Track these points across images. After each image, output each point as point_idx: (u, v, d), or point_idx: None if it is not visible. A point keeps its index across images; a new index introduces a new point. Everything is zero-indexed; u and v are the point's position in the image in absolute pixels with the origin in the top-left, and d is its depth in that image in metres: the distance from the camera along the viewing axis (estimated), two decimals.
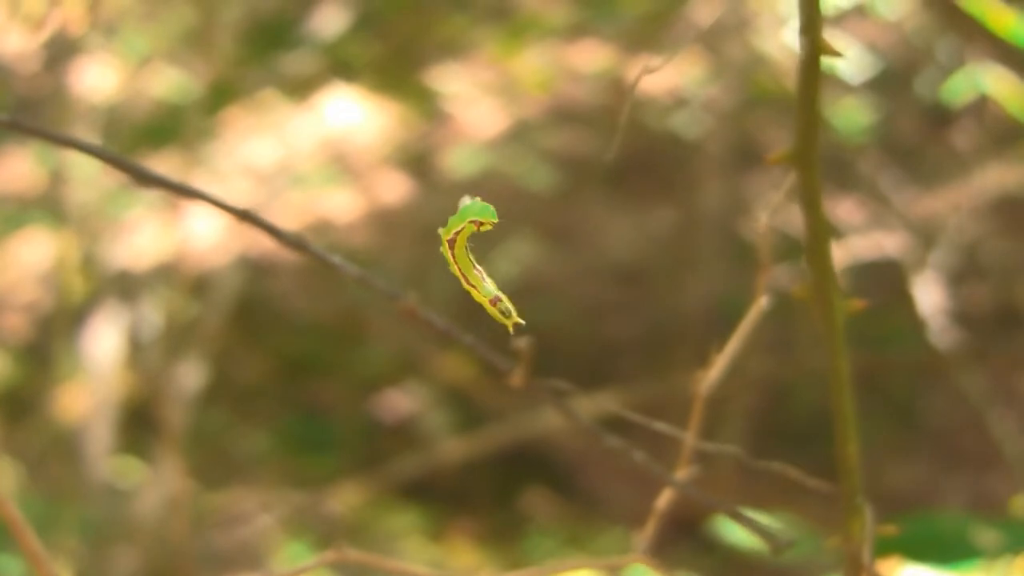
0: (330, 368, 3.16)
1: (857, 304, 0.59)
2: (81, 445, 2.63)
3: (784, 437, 2.88)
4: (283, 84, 3.01)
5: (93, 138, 2.67)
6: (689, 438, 0.67)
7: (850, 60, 2.92)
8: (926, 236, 2.78)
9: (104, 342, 2.74)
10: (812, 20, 0.52)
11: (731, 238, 3.06)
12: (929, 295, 2.62)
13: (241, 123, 3.15)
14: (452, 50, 3.18)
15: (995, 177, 3.07)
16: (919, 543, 1.19)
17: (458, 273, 0.58)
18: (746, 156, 3.12)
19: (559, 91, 3.26)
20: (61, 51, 2.80)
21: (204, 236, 3.04)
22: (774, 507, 1.86)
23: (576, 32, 3.14)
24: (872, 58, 3.00)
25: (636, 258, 3.33)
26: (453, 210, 0.62)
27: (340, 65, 3.05)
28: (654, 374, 2.94)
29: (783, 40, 2.93)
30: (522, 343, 0.63)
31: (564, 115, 3.31)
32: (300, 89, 3.06)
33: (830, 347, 0.57)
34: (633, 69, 3.11)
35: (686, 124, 3.18)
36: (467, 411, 2.97)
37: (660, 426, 0.66)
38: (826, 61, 0.55)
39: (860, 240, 2.82)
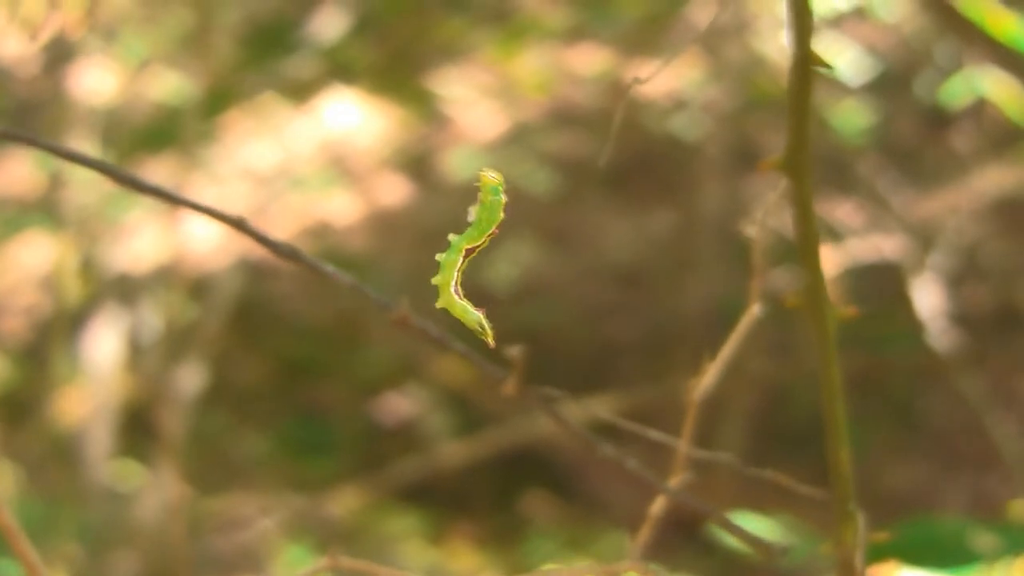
0: (329, 371, 3.16)
1: (849, 311, 0.59)
2: (80, 449, 2.63)
3: (783, 438, 2.88)
4: (282, 87, 3.01)
5: (92, 142, 2.67)
6: (683, 446, 0.67)
7: (849, 62, 2.92)
8: (925, 238, 2.78)
9: (103, 345, 2.75)
10: (802, 30, 0.52)
11: (730, 240, 3.06)
12: (928, 297, 2.62)
13: (240, 126, 3.16)
14: (451, 53, 3.18)
15: (994, 179, 3.07)
16: (917, 547, 1.19)
17: (452, 283, 0.58)
18: (745, 158, 3.12)
19: (558, 94, 3.26)
20: (60, 54, 2.80)
21: (203, 239, 3.04)
22: (773, 508, 1.85)
23: (575, 34, 3.14)
24: (871, 60, 3.00)
25: (635, 260, 3.33)
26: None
27: (339, 68, 3.05)
28: (654, 376, 2.94)
29: (782, 42, 2.92)
30: (515, 351, 0.63)
31: (563, 117, 3.31)
32: (299, 92, 3.07)
33: (822, 355, 0.57)
34: (632, 71, 3.11)
35: (685, 126, 3.19)
36: (467, 414, 2.97)
37: (654, 434, 0.66)
38: (818, 70, 0.55)
39: (859, 242, 2.82)
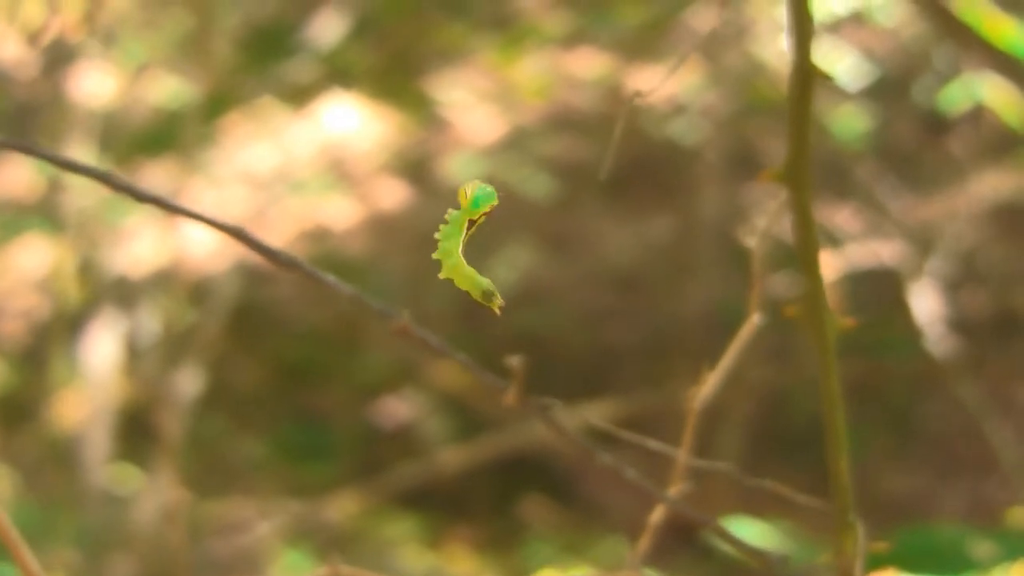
0: (328, 375, 3.16)
1: (848, 321, 0.59)
2: (78, 452, 2.63)
3: (783, 443, 2.88)
4: (281, 91, 3.01)
5: (91, 145, 2.67)
6: (682, 455, 0.67)
7: (847, 67, 2.93)
8: (923, 244, 2.78)
9: (101, 349, 2.74)
10: (803, 41, 0.52)
11: (730, 245, 3.06)
12: (926, 303, 2.62)
13: (239, 130, 3.16)
14: (450, 57, 3.19)
15: (992, 184, 3.07)
16: (915, 554, 1.19)
17: (456, 251, 0.58)
18: (744, 163, 3.12)
19: (557, 98, 3.26)
20: (59, 58, 2.80)
21: (202, 243, 3.04)
22: (772, 514, 1.85)
23: (574, 39, 3.14)
24: (869, 66, 3.01)
25: (635, 265, 3.33)
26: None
27: (338, 72, 3.05)
28: (653, 381, 2.94)
29: (781, 47, 2.93)
30: (515, 361, 0.63)
31: (562, 122, 3.31)
32: (298, 96, 3.07)
33: (822, 366, 0.57)
34: (631, 76, 3.11)
35: (684, 131, 3.19)
36: (465, 418, 2.97)
37: (652, 443, 0.66)
38: (818, 80, 0.55)
39: (857, 248, 2.82)
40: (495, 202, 0.57)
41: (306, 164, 3.26)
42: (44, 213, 2.95)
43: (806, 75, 0.53)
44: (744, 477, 0.66)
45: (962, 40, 2.26)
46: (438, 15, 3.09)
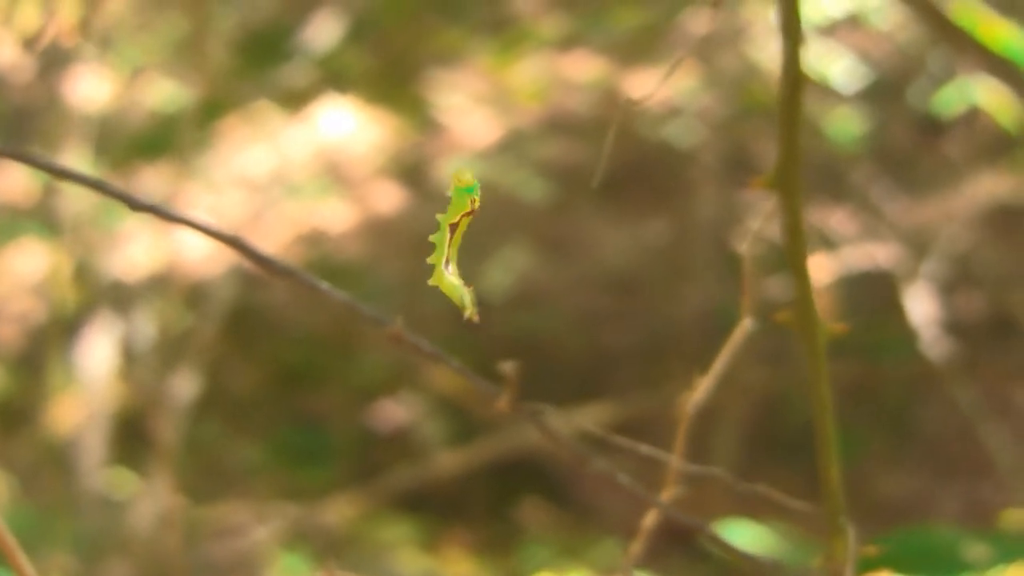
0: (324, 379, 3.16)
1: (840, 327, 0.59)
2: (74, 457, 2.63)
3: (779, 446, 2.88)
4: (277, 95, 3.01)
5: (87, 149, 2.67)
6: (675, 460, 0.67)
7: (842, 70, 2.93)
8: (918, 246, 2.79)
9: (97, 353, 2.74)
10: (793, 47, 0.52)
11: (725, 248, 3.06)
12: (921, 305, 2.62)
13: (235, 134, 3.16)
14: (446, 61, 3.19)
15: (987, 187, 3.07)
16: (910, 556, 1.19)
17: (442, 260, 0.58)
18: (739, 166, 3.13)
19: (553, 102, 3.27)
20: (55, 61, 2.80)
21: (197, 247, 3.04)
22: (767, 516, 1.86)
23: (570, 43, 3.15)
24: (864, 68, 3.01)
25: (631, 267, 3.34)
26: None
27: (334, 76, 3.05)
28: (649, 383, 2.94)
29: (775, 50, 2.93)
30: (508, 367, 0.63)
31: (558, 125, 3.31)
32: (294, 100, 3.07)
33: (812, 372, 0.58)
34: (627, 80, 3.12)
35: (679, 134, 3.19)
36: (462, 422, 2.97)
37: (645, 448, 0.66)
38: (809, 85, 0.55)
39: (852, 250, 2.83)
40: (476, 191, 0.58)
41: (302, 168, 3.27)
42: (40, 217, 2.95)
43: (796, 81, 0.53)
44: (737, 481, 0.66)
45: (957, 43, 2.26)
46: (434, 19, 3.09)
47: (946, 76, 2.66)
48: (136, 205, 0.61)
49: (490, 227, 3.00)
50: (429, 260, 0.60)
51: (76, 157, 2.61)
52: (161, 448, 2.36)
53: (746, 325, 0.69)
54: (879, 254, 2.79)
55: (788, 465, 2.69)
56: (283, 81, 2.99)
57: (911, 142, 3.22)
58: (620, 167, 3.07)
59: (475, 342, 2.78)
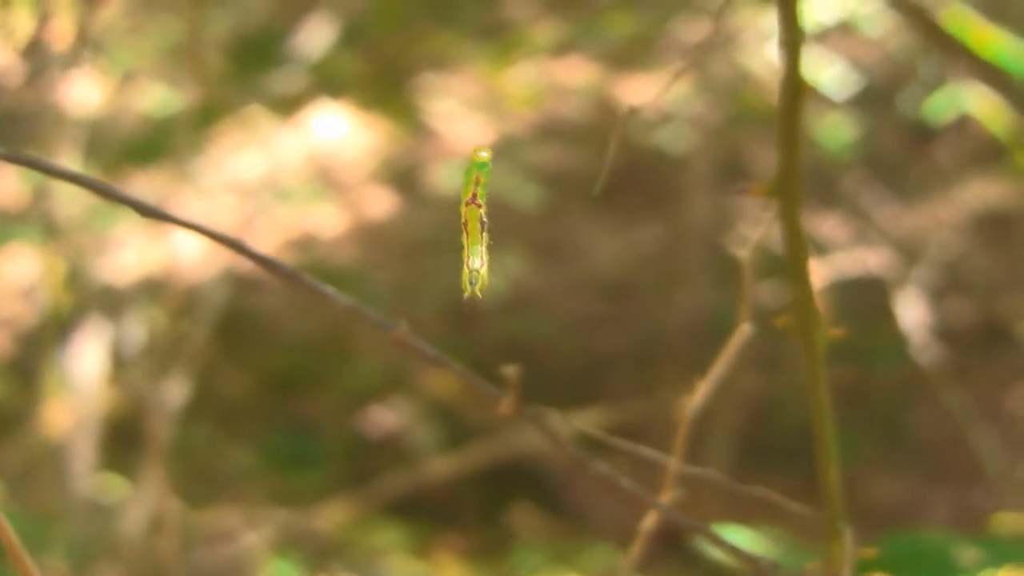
0: (316, 383, 3.16)
1: (838, 332, 0.60)
2: (65, 461, 2.62)
3: (774, 450, 2.88)
4: (270, 100, 3.01)
5: (79, 154, 2.66)
6: (673, 463, 0.68)
7: (834, 77, 2.94)
8: (909, 252, 2.80)
9: (88, 357, 2.74)
10: (793, 55, 0.52)
11: (718, 253, 3.07)
12: (912, 311, 2.63)
13: (228, 139, 3.16)
14: (439, 66, 3.19)
15: (977, 193, 3.09)
16: (901, 561, 1.19)
17: (466, 239, 0.58)
18: (732, 172, 3.14)
19: (546, 107, 3.27)
20: (47, 66, 2.80)
21: (190, 251, 3.04)
22: (762, 521, 1.86)
23: (563, 49, 3.16)
24: (856, 75, 3.02)
25: (624, 273, 3.34)
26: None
27: (327, 81, 3.05)
28: (643, 389, 2.95)
29: (768, 57, 2.95)
30: (510, 370, 0.64)
31: (551, 131, 3.32)
32: (287, 104, 3.07)
33: (811, 377, 0.58)
34: (620, 86, 3.12)
35: (672, 140, 3.20)
36: (454, 427, 2.97)
37: (646, 451, 0.66)
38: (808, 93, 0.55)
39: (843, 256, 2.84)
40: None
41: (294, 172, 3.27)
42: (31, 221, 2.94)
43: (796, 89, 0.54)
44: (733, 484, 0.66)
45: (947, 50, 2.27)
46: (428, 24, 3.10)
47: (937, 83, 2.67)
48: (143, 210, 0.61)
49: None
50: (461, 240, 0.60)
51: (68, 161, 2.61)
52: (152, 453, 2.35)
53: (744, 330, 0.69)
54: (870, 260, 2.80)
55: (782, 470, 2.70)
56: (275, 86, 2.99)
57: (902, 149, 3.24)
58: (613, 173, 3.07)
59: (468, 347, 2.78)
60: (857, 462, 2.81)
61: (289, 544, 2.69)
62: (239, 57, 3.05)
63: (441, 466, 2.88)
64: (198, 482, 2.86)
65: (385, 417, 3.11)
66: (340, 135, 3.32)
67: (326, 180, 3.32)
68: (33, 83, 2.95)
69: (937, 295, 2.79)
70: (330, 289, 0.64)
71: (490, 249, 0.60)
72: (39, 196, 2.85)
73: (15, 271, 3.21)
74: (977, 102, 2.34)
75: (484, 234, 0.59)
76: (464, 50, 3.12)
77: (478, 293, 0.58)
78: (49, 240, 2.68)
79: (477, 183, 0.58)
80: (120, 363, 2.80)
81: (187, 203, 2.96)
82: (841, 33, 3.05)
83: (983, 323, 3.03)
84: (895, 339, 2.64)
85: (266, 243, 3.15)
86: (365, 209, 3.34)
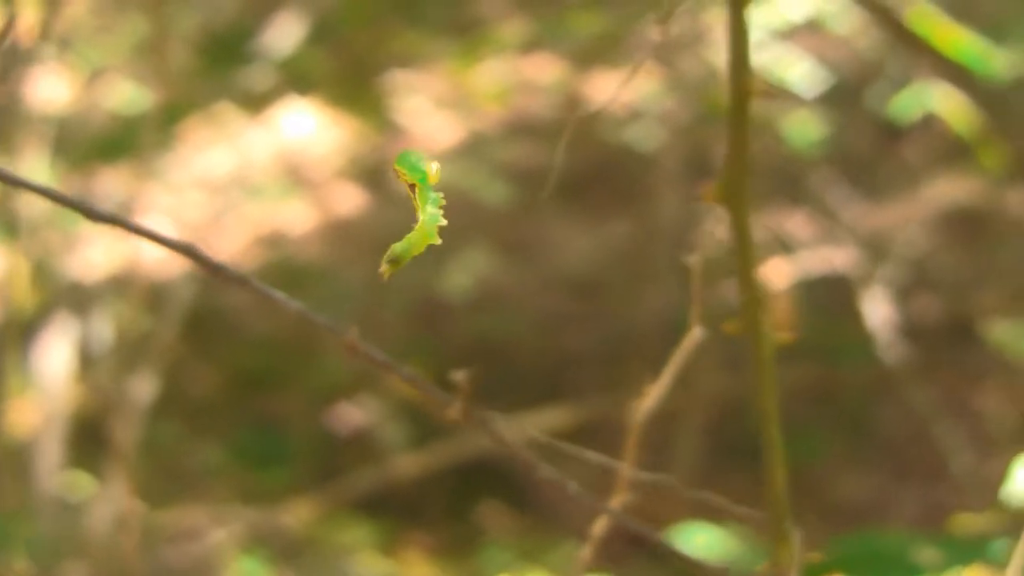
0: (284, 381, 3.15)
1: (787, 337, 0.60)
2: (31, 460, 2.61)
3: (742, 450, 2.89)
4: (238, 96, 3.00)
5: (46, 151, 2.64)
6: (626, 468, 0.68)
7: (801, 74, 2.95)
8: (875, 250, 2.81)
9: (55, 355, 2.72)
10: (740, 60, 0.53)
11: (687, 251, 3.07)
12: (878, 309, 2.65)
13: (196, 136, 3.14)
14: (408, 63, 3.19)
15: (945, 191, 3.11)
16: (859, 561, 1.20)
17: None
18: (702, 169, 3.14)
19: (514, 104, 3.27)
20: (14, 62, 2.78)
21: (156, 249, 3.02)
22: (728, 518, 1.87)
23: (531, 46, 3.16)
24: (823, 73, 3.04)
25: (592, 270, 3.35)
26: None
27: (295, 78, 3.05)
28: (610, 386, 2.95)
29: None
30: (460, 375, 0.64)
31: (519, 128, 3.32)
32: (255, 102, 3.06)
33: (759, 380, 0.58)
34: (588, 83, 3.13)
35: (641, 137, 3.21)
36: (422, 425, 2.97)
37: (594, 456, 0.67)
38: (760, 95, 0.56)
39: (810, 254, 2.85)
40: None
41: (263, 169, 3.26)
42: None
43: (743, 93, 0.54)
44: (684, 488, 0.67)
45: (913, 49, 2.28)
46: (396, 21, 3.09)
47: (905, 81, 2.68)
48: (93, 215, 0.61)
49: (451, 229, 3.00)
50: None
51: (35, 159, 2.59)
52: (118, 451, 2.34)
53: (696, 333, 0.70)
54: (836, 258, 2.81)
55: (750, 469, 2.71)
56: (244, 83, 2.98)
57: (869, 146, 3.25)
58: (582, 170, 3.08)
59: (435, 344, 2.78)
60: (824, 460, 2.83)
61: (256, 541, 2.68)
62: (208, 54, 3.04)
63: (409, 464, 2.87)
64: (165, 479, 2.85)
65: (353, 414, 3.10)
66: (309, 132, 3.31)
67: (295, 177, 3.31)
68: (0, 79, 2.92)
69: (904, 293, 2.81)
70: (279, 294, 0.63)
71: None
72: (3, 194, 2.83)
73: None
74: (942, 101, 2.36)
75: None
76: (433, 47, 3.11)
77: (390, 268, 0.58)
78: (14, 238, 2.66)
79: (413, 189, 0.58)
80: (87, 361, 2.79)
81: (155, 200, 2.94)
82: (809, 30, 3.06)
83: (949, 321, 3.05)
84: (861, 337, 2.65)
85: (235, 240, 3.14)
86: (334, 206, 3.33)
